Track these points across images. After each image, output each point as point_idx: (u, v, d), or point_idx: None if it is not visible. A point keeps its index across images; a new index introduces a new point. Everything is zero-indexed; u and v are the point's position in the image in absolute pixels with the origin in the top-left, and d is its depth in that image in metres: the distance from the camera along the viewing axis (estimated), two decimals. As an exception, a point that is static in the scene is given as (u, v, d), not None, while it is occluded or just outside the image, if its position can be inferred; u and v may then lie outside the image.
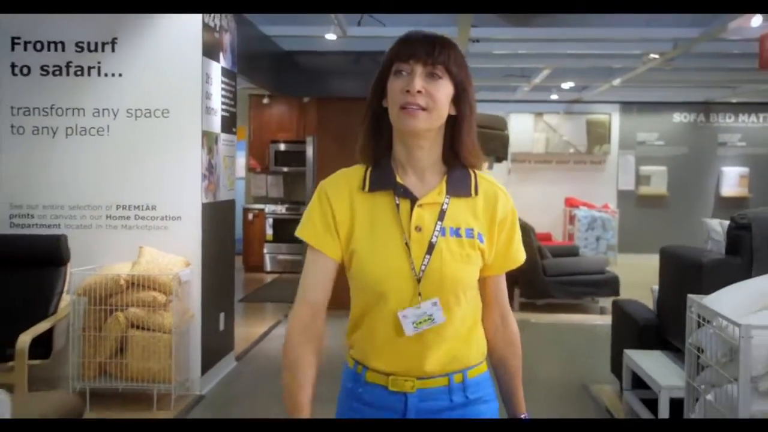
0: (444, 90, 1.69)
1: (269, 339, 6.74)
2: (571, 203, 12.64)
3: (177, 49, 4.94)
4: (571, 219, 12.31)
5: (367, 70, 7.48)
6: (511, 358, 1.87)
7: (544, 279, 8.16)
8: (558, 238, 12.18)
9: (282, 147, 10.79)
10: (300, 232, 1.78)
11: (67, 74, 4.96)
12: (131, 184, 4.96)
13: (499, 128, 8.85)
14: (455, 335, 1.74)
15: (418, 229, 1.71)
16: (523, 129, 12.90)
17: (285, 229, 10.49)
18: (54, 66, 4.96)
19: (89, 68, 4.96)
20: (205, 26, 5.01)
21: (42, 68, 4.96)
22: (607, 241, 11.89)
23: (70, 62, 4.96)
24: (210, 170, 5.16)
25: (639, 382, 4.30)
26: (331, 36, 6.85)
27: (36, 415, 3.11)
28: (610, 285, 8.17)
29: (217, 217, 5.36)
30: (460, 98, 1.72)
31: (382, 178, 1.75)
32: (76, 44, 4.95)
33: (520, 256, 1.83)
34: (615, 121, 12.95)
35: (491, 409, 1.80)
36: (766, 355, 2.99)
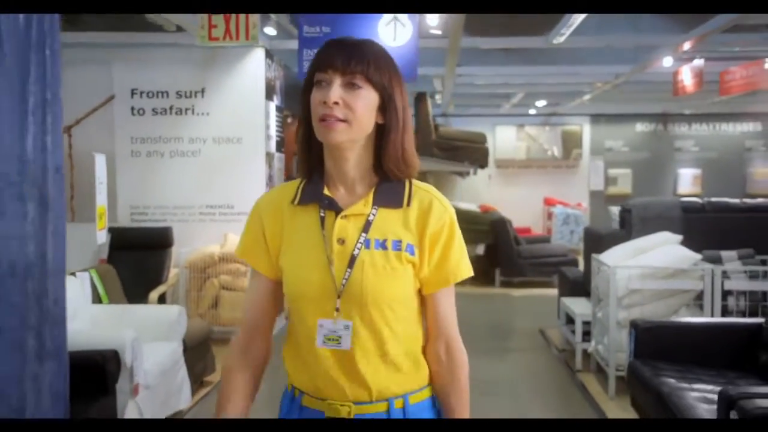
0: (364, 100, 1.61)
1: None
2: (549, 202, 14.70)
3: (247, 95, 7.01)
4: (549, 215, 14.37)
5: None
6: (450, 398, 1.71)
7: (519, 261, 10.22)
8: (538, 231, 14.25)
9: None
10: (237, 252, 1.78)
11: (171, 114, 7.04)
12: (216, 190, 7.02)
13: (480, 142, 10.95)
14: (387, 358, 1.65)
15: (341, 241, 1.64)
16: (507, 138, 14.98)
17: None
18: (161, 108, 7.04)
19: (185, 109, 7.04)
20: (267, 78, 7.08)
21: (152, 110, 7.03)
22: (579, 233, 13.96)
23: (173, 105, 7.04)
24: (270, 179, 7.24)
25: (570, 320, 6.37)
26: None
27: (197, 328, 5.18)
28: (571, 265, 10.25)
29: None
30: (386, 106, 1.64)
31: (312, 191, 1.69)
32: (177, 92, 7.03)
33: (461, 271, 1.69)
34: (586, 130, 15.02)
35: None
36: (624, 284, 5.07)
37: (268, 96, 7.19)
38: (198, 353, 5.25)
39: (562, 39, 6.59)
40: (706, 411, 3.38)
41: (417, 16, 5.56)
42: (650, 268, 5.06)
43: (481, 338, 7.12)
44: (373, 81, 1.61)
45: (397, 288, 1.64)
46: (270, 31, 6.66)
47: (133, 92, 7.05)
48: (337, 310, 1.62)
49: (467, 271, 1.70)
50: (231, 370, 1.74)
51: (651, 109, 14.41)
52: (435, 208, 1.67)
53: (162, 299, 6.60)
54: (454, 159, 10.60)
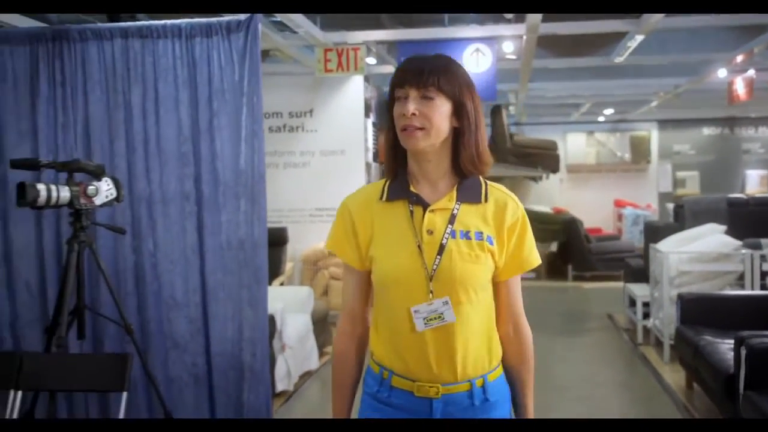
0: (438, 109, 1.80)
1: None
2: (619, 204, 15.51)
3: (349, 114, 8.20)
4: (619, 217, 15.18)
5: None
6: (521, 371, 1.94)
7: (590, 257, 11.15)
8: (609, 231, 15.08)
9: (387, 167, 14.02)
10: (327, 245, 1.97)
11: (284, 131, 8.29)
12: (323, 195, 8.23)
13: (551, 149, 11.95)
14: (473, 338, 1.83)
15: (430, 232, 1.82)
16: (578, 145, 15.86)
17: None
18: (276, 126, 8.30)
19: (297, 127, 8.29)
20: (365, 98, 8.27)
21: (269, 128, 8.30)
22: (649, 233, 14.75)
23: (285, 124, 8.29)
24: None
25: (633, 302, 7.31)
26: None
27: (319, 307, 6.38)
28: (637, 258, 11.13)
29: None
30: (459, 113, 1.83)
31: (399, 189, 1.88)
32: (289, 113, 8.28)
33: (532, 259, 1.90)
34: (654, 135, 15.78)
35: (504, 411, 1.91)
36: (675, 266, 6.03)
37: (366, 114, 8.37)
38: (320, 327, 6.44)
39: (622, 58, 7.56)
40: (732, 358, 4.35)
41: (495, 46, 6.64)
42: (697, 253, 6.02)
43: (557, 322, 8.14)
44: (444, 91, 1.81)
45: (480, 273, 1.83)
46: (370, 60, 7.85)
47: (253, 114, 8.32)
48: (432, 292, 1.80)
49: (537, 260, 1.93)
50: (343, 354, 1.98)
51: (717, 114, 15.07)
52: (510, 205, 1.88)
53: (281, 288, 7.83)
54: (527, 165, 11.63)
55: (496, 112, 11.57)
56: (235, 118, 3.82)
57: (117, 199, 3.64)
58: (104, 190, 3.58)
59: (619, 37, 7.40)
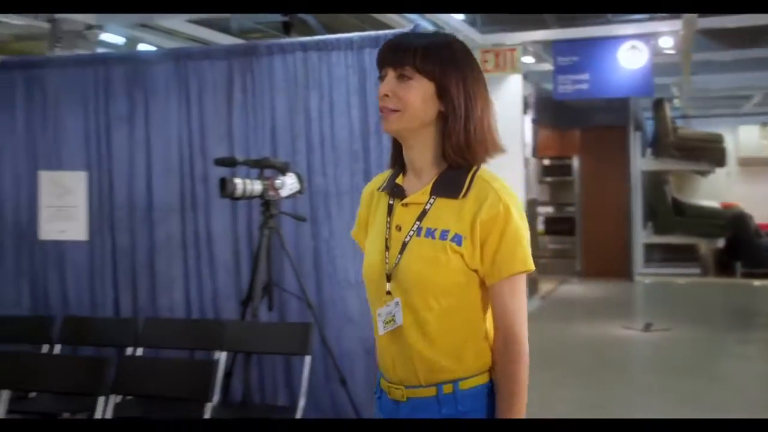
0: (415, 90, 1.65)
1: (555, 292, 10.21)
2: (797, 198, 14.76)
3: (508, 111, 8.49)
4: (799, 211, 14.46)
5: (618, 106, 10.71)
6: (503, 391, 1.67)
7: (761, 253, 10.81)
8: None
9: (546, 162, 14.14)
10: (352, 232, 1.91)
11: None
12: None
13: (716, 142, 11.65)
14: (434, 345, 1.66)
15: (398, 228, 1.70)
16: (750, 137, 15.21)
17: (553, 225, 13.79)
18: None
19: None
20: (523, 96, 8.56)
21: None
22: (830, 228, 13.94)
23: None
24: (526, 179, 8.72)
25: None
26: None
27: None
28: (814, 256, 10.68)
29: (529, 211, 8.90)
30: (443, 96, 1.66)
31: (391, 179, 1.77)
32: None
33: (515, 264, 1.64)
34: (838, 126, 14.86)
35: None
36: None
37: (524, 111, 8.66)
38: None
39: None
40: None
41: (651, 42, 6.75)
42: None
43: (725, 319, 8.07)
44: (423, 71, 1.66)
45: (440, 277, 1.65)
46: (528, 59, 8.14)
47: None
48: (388, 293, 1.69)
49: (522, 265, 1.65)
50: None
51: None
52: (489, 198, 1.65)
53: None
54: (691, 159, 11.42)
55: (658, 105, 11.45)
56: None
57: (300, 191, 4.22)
58: (289, 183, 4.16)
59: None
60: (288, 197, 4.21)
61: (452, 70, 1.68)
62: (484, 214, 1.64)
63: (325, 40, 4.51)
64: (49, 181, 4.71)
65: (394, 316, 1.70)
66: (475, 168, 1.72)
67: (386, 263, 1.70)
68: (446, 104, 1.68)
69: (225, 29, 7.20)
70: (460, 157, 1.69)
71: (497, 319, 1.68)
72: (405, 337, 1.69)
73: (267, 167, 4.17)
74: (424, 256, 1.66)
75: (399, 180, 1.75)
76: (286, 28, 7.28)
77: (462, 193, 1.67)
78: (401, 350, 1.70)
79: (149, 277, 4.75)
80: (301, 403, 3.71)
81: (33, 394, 3.97)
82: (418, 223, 1.69)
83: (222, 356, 3.80)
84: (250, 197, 4.10)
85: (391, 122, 1.68)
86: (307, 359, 3.75)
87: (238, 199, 4.07)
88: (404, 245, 1.69)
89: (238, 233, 4.62)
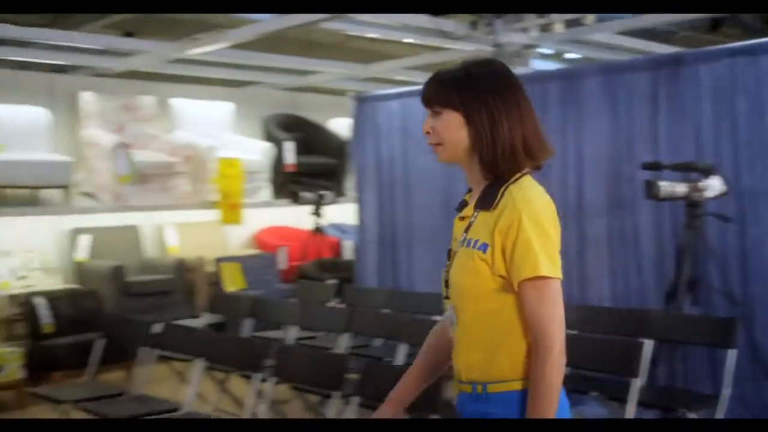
0: (445, 123, 1.81)
1: None
2: None
3: None
4: None
5: None
6: (531, 389, 1.73)
7: None
8: None
9: None
10: None
11: None
12: None
13: None
14: (473, 346, 1.82)
15: (455, 239, 1.89)
16: None
17: None
18: None
19: None
20: None
21: None
22: None
23: None
24: None
25: None
26: None
27: None
28: None
29: None
30: (469, 121, 1.79)
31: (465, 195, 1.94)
32: None
33: (526, 268, 1.73)
34: None
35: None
36: None
37: None
38: None
39: None
40: None
41: None
42: None
43: None
44: (447, 104, 1.81)
45: (473, 284, 1.79)
46: None
47: None
48: (446, 297, 1.90)
49: (531, 270, 1.72)
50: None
51: None
52: (508, 207, 1.76)
53: None
54: None
55: None
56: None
57: (725, 192, 4.41)
58: (714, 185, 4.38)
59: None
60: (714, 198, 4.43)
61: (472, 97, 1.79)
62: (502, 222, 1.75)
63: (753, 44, 4.62)
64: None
65: (453, 319, 1.87)
66: (511, 180, 1.80)
67: (445, 271, 1.89)
68: (473, 129, 1.79)
69: (648, 35, 7.49)
70: (491, 174, 1.81)
71: (528, 323, 1.75)
72: (457, 337, 1.87)
73: (691, 170, 4.45)
74: (462, 265, 1.82)
75: (466, 197, 1.91)
76: (714, 27, 7.35)
77: (494, 206, 1.78)
78: (456, 349, 1.88)
79: (579, 268, 5.32)
80: (725, 392, 3.90)
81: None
82: (465, 234, 1.84)
83: (647, 343, 4.17)
84: (674, 198, 4.41)
85: (438, 155, 1.86)
86: (733, 353, 3.95)
87: (662, 200, 4.41)
88: (454, 255, 1.87)
89: (663, 232, 4.95)
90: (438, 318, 2.18)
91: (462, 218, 1.88)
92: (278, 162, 8.08)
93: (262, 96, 8.96)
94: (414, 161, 6.38)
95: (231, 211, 7.45)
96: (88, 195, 7.27)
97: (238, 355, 4.17)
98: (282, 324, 5.33)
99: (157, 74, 7.87)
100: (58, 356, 5.90)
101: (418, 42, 7.03)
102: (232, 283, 7.16)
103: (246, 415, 3.96)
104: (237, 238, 8.46)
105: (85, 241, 7.21)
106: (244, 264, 7.38)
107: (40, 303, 6.18)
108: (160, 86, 8.10)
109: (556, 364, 1.71)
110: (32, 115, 7.16)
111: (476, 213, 1.82)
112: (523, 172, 1.82)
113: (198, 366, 4.22)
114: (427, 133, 1.85)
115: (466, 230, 1.84)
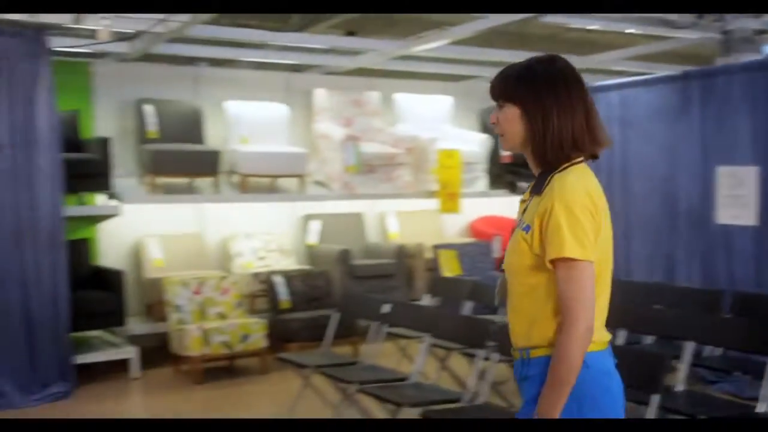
0: (506, 115, 2.00)
1: None
2: None
3: None
4: None
5: None
6: (551, 359, 1.91)
7: None
8: None
9: None
10: None
11: None
12: None
13: None
14: (518, 316, 2.03)
15: (517, 221, 2.07)
16: None
17: None
18: None
19: None
20: None
21: None
22: None
23: None
24: None
25: None
26: None
27: None
28: None
29: None
30: (525, 114, 1.97)
31: None
32: None
33: (554, 248, 1.88)
34: None
35: (533, 390, 1.97)
36: None
37: None
38: None
39: None
40: None
41: None
42: None
43: None
44: (507, 98, 2.00)
45: (517, 261, 1.99)
46: None
47: None
48: (502, 270, 2.10)
49: (556, 252, 1.88)
50: None
51: None
52: (547, 194, 1.93)
53: None
54: None
55: None
56: None
57: None
58: None
59: None
60: None
61: (529, 92, 1.95)
62: (541, 207, 1.93)
63: None
64: (725, 175, 5.46)
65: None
66: (560, 169, 1.95)
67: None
68: (528, 122, 1.97)
69: None
70: (542, 163, 1.98)
71: (559, 299, 1.91)
72: (508, 309, 2.06)
73: None
74: (512, 244, 2.01)
75: (531, 183, 2.06)
76: None
77: (541, 192, 1.95)
78: (509, 319, 2.08)
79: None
80: None
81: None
82: (521, 216, 2.03)
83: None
84: None
85: (503, 144, 2.05)
86: None
87: None
88: (513, 234, 2.04)
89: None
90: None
91: (522, 201, 2.07)
92: (495, 153, 8.26)
93: (479, 89, 9.11)
94: (634, 151, 6.32)
95: (450, 200, 7.75)
96: (320, 184, 7.86)
97: (464, 332, 4.41)
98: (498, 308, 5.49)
99: (382, 71, 8.31)
100: (294, 329, 6.49)
101: (639, 32, 6.91)
102: (449, 269, 7.45)
103: (468, 392, 4.14)
104: (453, 227, 8.77)
105: (315, 226, 7.84)
106: (460, 251, 7.65)
107: (279, 281, 6.82)
108: (384, 82, 8.53)
109: (577, 338, 1.86)
110: (272, 110, 7.83)
111: (531, 198, 2.00)
112: (574, 161, 1.96)
113: (426, 342, 4.52)
114: (493, 123, 2.05)
115: (523, 213, 2.03)
